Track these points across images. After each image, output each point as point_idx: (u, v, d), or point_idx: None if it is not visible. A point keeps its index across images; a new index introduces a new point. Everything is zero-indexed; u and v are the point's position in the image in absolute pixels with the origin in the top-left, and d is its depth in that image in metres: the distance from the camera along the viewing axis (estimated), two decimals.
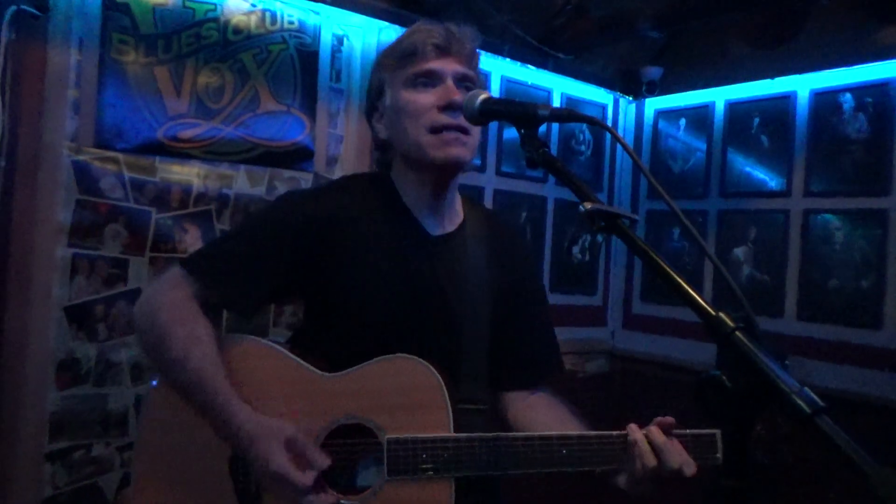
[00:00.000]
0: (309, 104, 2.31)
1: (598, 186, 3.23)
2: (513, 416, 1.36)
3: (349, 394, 1.19)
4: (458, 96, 1.19)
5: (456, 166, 1.25)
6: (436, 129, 1.21)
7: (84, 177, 1.94)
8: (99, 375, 1.99)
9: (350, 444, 1.17)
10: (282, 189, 2.26)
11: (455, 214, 1.36)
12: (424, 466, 1.14)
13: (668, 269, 0.72)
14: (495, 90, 2.80)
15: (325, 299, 1.28)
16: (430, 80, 1.23)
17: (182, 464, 1.21)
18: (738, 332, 0.64)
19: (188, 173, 2.10)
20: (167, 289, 1.22)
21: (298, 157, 2.29)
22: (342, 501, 1.14)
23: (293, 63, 2.28)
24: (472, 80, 1.26)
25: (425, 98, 1.22)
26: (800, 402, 0.59)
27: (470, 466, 1.14)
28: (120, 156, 1.99)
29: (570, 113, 0.90)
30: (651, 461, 1.10)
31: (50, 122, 1.90)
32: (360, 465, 1.19)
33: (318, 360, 1.23)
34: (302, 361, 1.22)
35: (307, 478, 1.06)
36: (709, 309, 0.67)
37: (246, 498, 1.17)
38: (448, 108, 1.20)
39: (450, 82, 1.22)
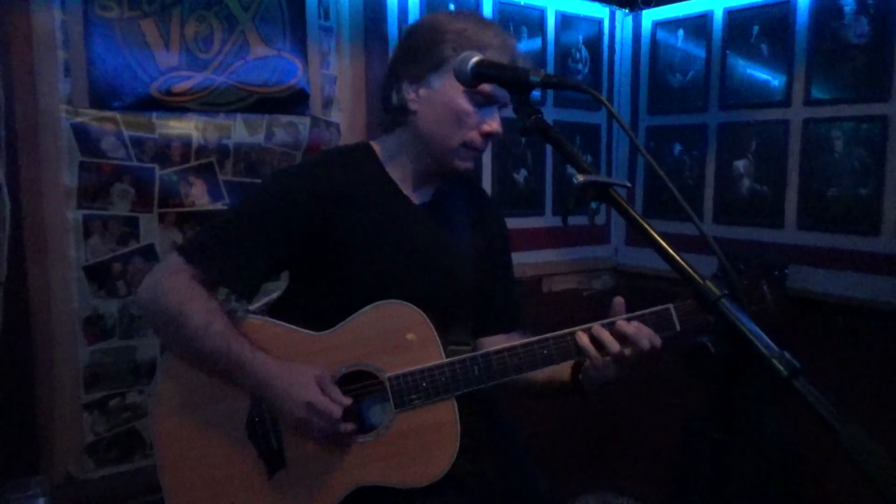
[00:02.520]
0: (299, 46, 2.28)
1: (597, 104, 3.20)
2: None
3: (345, 345, 1.28)
4: (499, 130, 1.30)
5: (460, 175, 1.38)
6: (468, 146, 1.30)
7: (84, 138, 1.95)
8: (124, 329, 2.07)
9: (356, 389, 1.28)
10: (281, 135, 2.26)
11: (433, 183, 1.44)
12: (426, 393, 1.26)
13: (658, 239, 0.76)
14: (487, 14, 2.73)
15: (320, 269, 1.35)
16: (488, 101, 1.28)
17: (202, 441, 1.29)
18: (722, 300, 0.69)
19: (186, 127, 2.10)
20: (169, 274, 1.28)
21: (294, 101, 2.28)
22: (360, 439, 1.25)
23: (280, 4, 2.23)
24: (507, 106, 1.30)
25: (475, 116, 1.29)
26: (779, 365, 0.64)
27: (467, 383, 1.26)
28: (117, 115, 1.99)
29: (561, 80, 0.92)
30: (614, 346, 1.24)
31: (43, 86, 1.89)
32: (369, 406, 1.31)
33: (310, 325, 1.31)
34: (296, 327, 1.31)
35: (337, 409, 1.19)
36: (696, 277, 0.72)
37: (269, 455, 1.27)
38: (487, 136, 1.30)
39: (496, 112, 1.30)
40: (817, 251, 2.58)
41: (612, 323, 1.27)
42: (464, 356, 1.27)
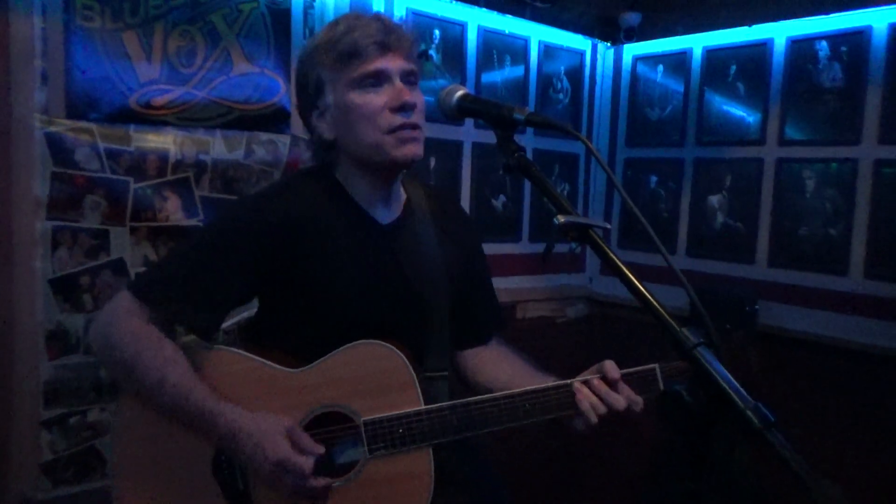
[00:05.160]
0: (283, 64, 2.27)
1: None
2: (472, 373, 1.49)
3: (321, 384, 1.24)
4: (410, 97, 1.21)
5: (413, 162, 1.27)
6: (392, 130, 1.22)
7: (58, 149, 1.91)
8: (89, 344, 2.02)
9: (329, 431, 1.23)
10: (260, 152, 2.24)
11: (399, 199, 1.40)
12: (402, 440, 1.21)
13: (637, 283, 0.76)
14: (472, 41, 2.75)
15: (287, 298, 1.30)
16: (378, 80, 1.23)
17: (164, 475, 1.23)
18: (698, 349, 0.69)
19: (164, 141, 2.07)
20: (122, 318, 1.21)
21: (275, 119, 2.26)
22: (334, 483, 1.21)
23: (265, 22, 2.22)
24: (415, 73, 1.26)
25: (377, 100, 1.22)
26: (752, 417, 0.64)
27: (444, 433, 1.22)
28: (93, 126, 1.95)
29: (545, 120, 0.92)
30: (601, 409, 1.19)
31: (18, 94, 1.85)
32: (341, 449, 1.25)
33: (282, 356, 1.26)
34: (269, 362, 1.25)
35: (308, 462, 1.14)
36: (674, 324, 0.72)
37: (235, 497, 1.22)
38: (401, 109, 1.21)
39: (398, 82, 1.23)
40: (787, 288, 2.62)
41: (592, 381, 1.22)
42: (442, 405, 1.23)
